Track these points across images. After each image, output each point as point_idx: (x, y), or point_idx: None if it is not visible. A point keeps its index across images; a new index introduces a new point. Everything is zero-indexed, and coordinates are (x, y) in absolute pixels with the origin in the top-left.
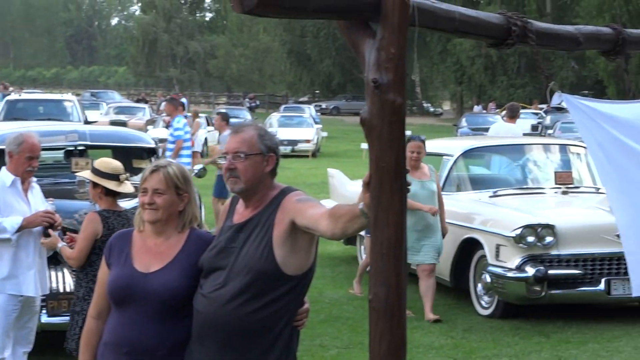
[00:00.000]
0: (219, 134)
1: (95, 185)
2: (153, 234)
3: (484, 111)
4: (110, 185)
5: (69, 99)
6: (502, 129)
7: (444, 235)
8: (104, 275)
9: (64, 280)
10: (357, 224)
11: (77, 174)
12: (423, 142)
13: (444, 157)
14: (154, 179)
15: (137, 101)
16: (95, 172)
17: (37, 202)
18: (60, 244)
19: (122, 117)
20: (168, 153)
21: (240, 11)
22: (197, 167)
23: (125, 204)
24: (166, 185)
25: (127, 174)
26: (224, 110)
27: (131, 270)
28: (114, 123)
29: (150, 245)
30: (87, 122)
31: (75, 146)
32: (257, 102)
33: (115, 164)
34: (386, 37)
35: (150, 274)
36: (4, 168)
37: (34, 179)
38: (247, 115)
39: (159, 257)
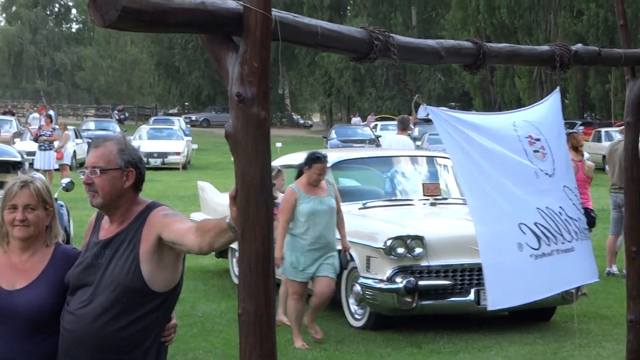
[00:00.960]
0: None
1: None
2: (19, 250)
3: (363, 123)
4: None
5: None
6: (395, 142)
7: (346, 251)
8: None
9: None
10: (224, 238)
11: None
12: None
13: None
14: (24, 195)
15: (4, 113)
16: None
17: None
18: None
19: None
20: None
21: (101, 25)
22: (65, 180)
23: None
24: (37, 201)
25: None
26: None
27: None
28: None
29: (15, 262)
30: None
31: None
32: (126, 114)
33: None
34: (249, 51)
35: (15, 291)
36: None
37: None
38: (116, 128)
39: (24, 274)
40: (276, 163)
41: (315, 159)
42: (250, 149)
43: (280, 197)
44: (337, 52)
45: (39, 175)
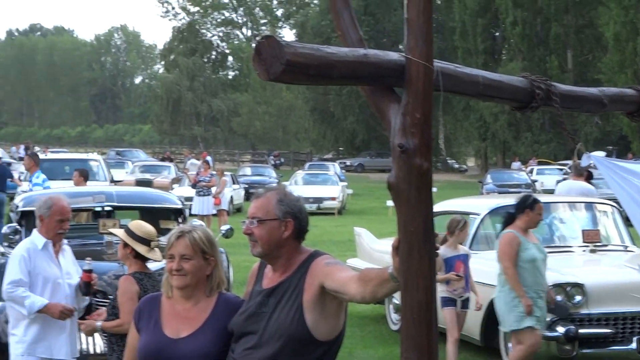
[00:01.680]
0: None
1: (125, 245)
2: (182, 299)
3: (523, 167)
4: (141, 249)
5: (95, 159)
6: (574, 187)
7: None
8: (133, 340)
9: (94, 342)
10: (386, 288)
11: (111, 230)
12: None
13: (471, 215)
14: (180, 245)
15: (162, 159)
16: (129, 233)
17: (68, 264)
18: (98, 323)
19: (147, 176)
20: None
21: (266, 79)
22: (224, 227)
23: (151, 266)
24: (193, 251)
25: (158, 241)
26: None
27: (161, 336)
28: (139, 182)
29: (179, 310)
30: (113, 181)
31: (103, 207)
32: (282, 160)
33: (149, 229)
34: (411, 102)
35: (180, 339)
36: (35, 231)
37: (65, 241)
38: (272, 173)
39: (188, 323)
40: (435, 209)
41: (535, 200)
42: (413, 199)
43: (442, 248)
44: (498, 102)
45: (200, 224)
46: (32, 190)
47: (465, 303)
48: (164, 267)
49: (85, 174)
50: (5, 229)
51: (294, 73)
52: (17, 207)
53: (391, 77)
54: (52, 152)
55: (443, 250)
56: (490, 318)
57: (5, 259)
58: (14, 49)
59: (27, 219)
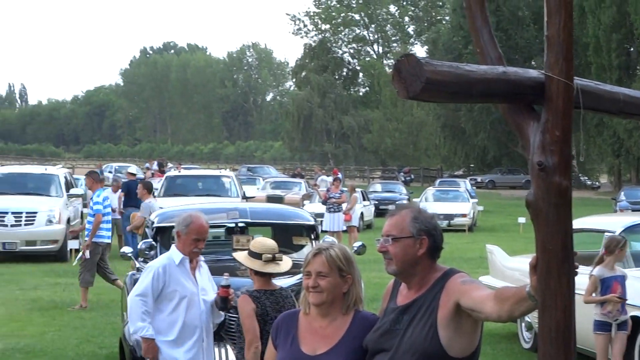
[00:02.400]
0: (142, 201)
1: None
2: (318, 316)
3: None
4: (253, 264)
5: (227, 175)
6: None
7: None
8: (271, 356)
9: (227, 357)
10: (523, 307)
11: (233, 254)
12: None
13: (605, 233)
14: (316, 262)
15: (293, 176)
16: (249, 251)
17: (204, 281)
18: None
19: (278, 192)
20: (88, 226)
21: (405, 97)
22: (357, 244)
23: (283, 282)
24: (329, 268)
25: (273, 255)
26: (147, 179)
27: (298, 354)
28: (270, 198)
29: (316, 327)
30: (244, 198)
31: (236, 223)
32: (412, 176)
33: (262, 242)
34: (550, 119)
35: (316, 356)
36: (173, 246)
37: (202, 258)
38: (402, 190)
39: (325, 340)
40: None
41: None
42: (552, 217)
43: (598, 268)
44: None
45: (332, 240)
46: (92, 210)
47: (622, 326)
48: (295, 283)
49: (149, 187)
50: (140, 245)
51: (433, 91)
52: (153, 223)
53: (530, 95)
54: (185, 168)
55: (600, 271)
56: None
57: (139, 274)
58: (149, 67)
59: (162, 235)
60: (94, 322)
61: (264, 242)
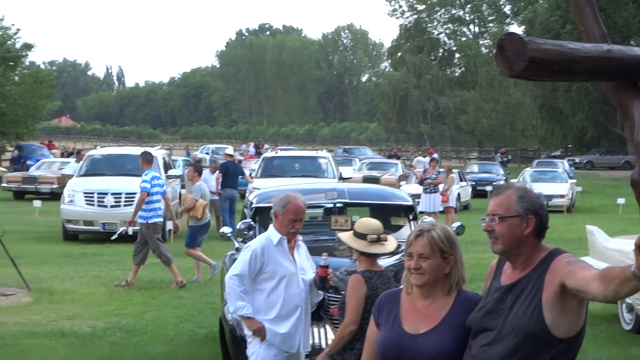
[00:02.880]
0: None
1: None
2: (420, 296)
3: None
4: (357, 245)
5: (324, 156)
6: None
7: None
8: (372, 334)
9: (326, 337)
10: (629, 287)
11: (338, 235)
12: None
13: None
14: (418, 244)
15: (389, 157)
16: (354, 232)
17: (303, 260)
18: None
19: (374, 173)
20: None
21: (508, 75)
22: (455, 224)
23: (385, 262)
24: (431, 250)
25: (378, 235)
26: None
27: (400, 332)
28: (366, 179)
29: (418, 307)
30: (341, 179)
31: (335, 204)
32: (509, 157)
33: (367, 222)
34: None
35: (419, 335)
36: (271, 226)
37: (300, 237)
38: (499, 170)
39: (427, 319)
40: None
41: None
42: None
43: None
44: None
45: (430, 221)
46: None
47: None
48: (394, 263)
49: (199, 169)
50: (239, 225)
51: (536, 69)
52: (252, 203)
53: (635, 73)
54: (281, 149)
55: None
56: None
57: (238, 254)
58: (244, 49)
59: (260, 215)
60: (192, 301)
61: (368, 222)
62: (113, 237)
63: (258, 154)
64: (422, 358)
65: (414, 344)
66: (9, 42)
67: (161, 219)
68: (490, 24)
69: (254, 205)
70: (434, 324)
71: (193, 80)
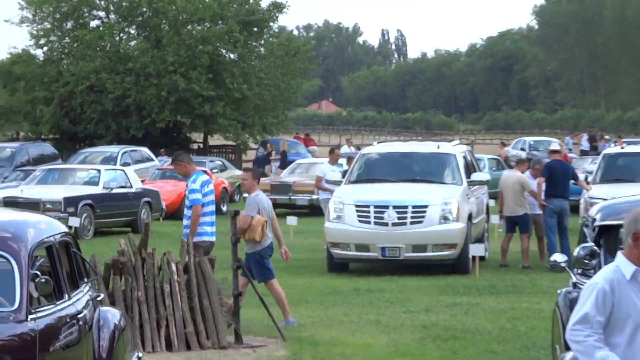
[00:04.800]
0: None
1: None
2: None
3: None
4: None
5: None
6: None
7: None
8: None
9: None
10: None
11: None
12: None
13: None
14: None
15: None
16: None
17: None
18: None
19: None
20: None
21: None
22: None
23: None
24: None
25: None
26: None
27: None
28: None
29: None
30: None
31: None
32: None
33: None
34: None
35: None
36: (619, 254)
37: None
38: None
39: None
40: None
41: None
42: None
43: None
44: None
45: None
46: (188, 200)
47: None
48: None
49: (258, 176)
50: (577, 251)
51: None
52: (594, 220)
53: None
54: (626, 142)
55: None
56: None
57: (578, 292)
58: (572, 2)
59: (607, 237)
60: (508, 356)
61: None
62: None
63: (594, 148)
64: None
65: None
66: (251, 1)
67: (207, 238)
68: None
69: (597, 223)
70: None
71: (501, 48)
